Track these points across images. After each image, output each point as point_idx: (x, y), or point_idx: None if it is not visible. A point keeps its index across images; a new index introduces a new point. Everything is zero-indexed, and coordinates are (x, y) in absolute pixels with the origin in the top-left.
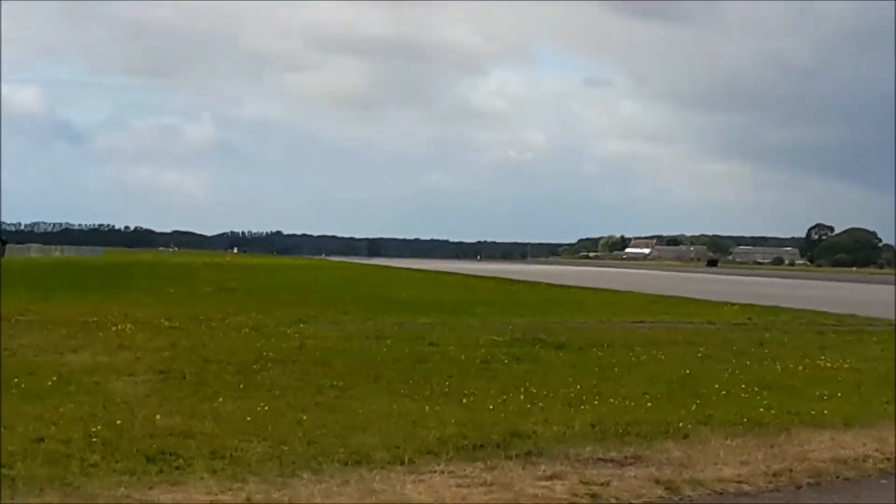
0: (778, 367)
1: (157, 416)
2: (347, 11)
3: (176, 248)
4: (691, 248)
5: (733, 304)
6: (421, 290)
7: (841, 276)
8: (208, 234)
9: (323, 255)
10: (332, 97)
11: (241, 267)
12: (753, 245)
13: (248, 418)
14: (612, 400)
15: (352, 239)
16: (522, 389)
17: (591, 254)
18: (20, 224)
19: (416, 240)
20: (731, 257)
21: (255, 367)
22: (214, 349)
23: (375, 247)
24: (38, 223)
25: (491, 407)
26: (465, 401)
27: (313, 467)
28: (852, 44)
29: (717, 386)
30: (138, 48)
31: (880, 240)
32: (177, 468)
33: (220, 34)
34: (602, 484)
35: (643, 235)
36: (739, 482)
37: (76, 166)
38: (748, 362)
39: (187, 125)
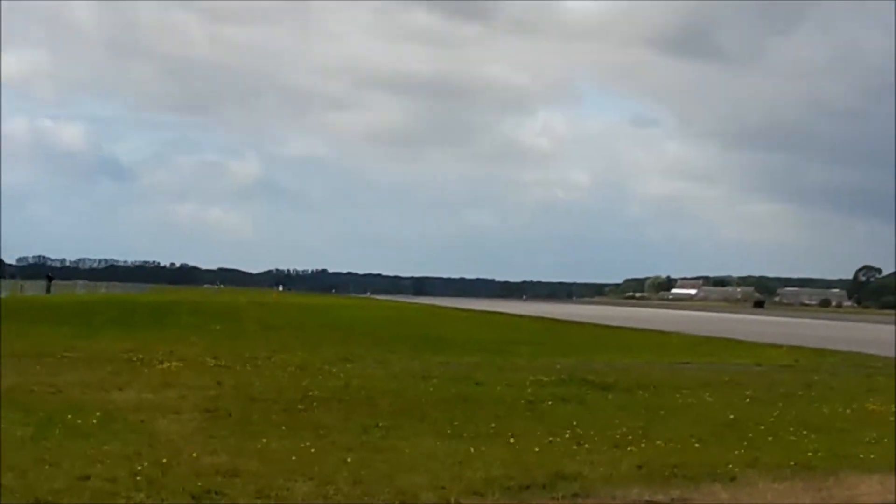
0: (825, 409)
1: (203, 455)
2: (391, 50)
3: (221, 286)
4: (738, 290)
5: (780, 346)
6: (467, 329)
7: (889, 319)
8: (253, 271)
9: (368, 294)
10: (376, 136)
11: (287, 306)
12: (800, 286)
13: (294, 457)
14: (658, 442)
15: (397, 277)
16: (568, 430)
17: (638, 294)
18: (66, 261)
19: (462, 279)
20: (777, 299)
21: (300, 406)
22: (260, 388)
23: (421, 285)
24: (84, 259)
25: (537, 448)
26: (510, 441)
27: None
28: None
29: (763, 428)
30: (182, 85)
31: None
32: None
33: (263, 72)
34: None
35: (689, 276)
36: None
37: (121, 203)
38: (795, 405)
39: (232, 162)
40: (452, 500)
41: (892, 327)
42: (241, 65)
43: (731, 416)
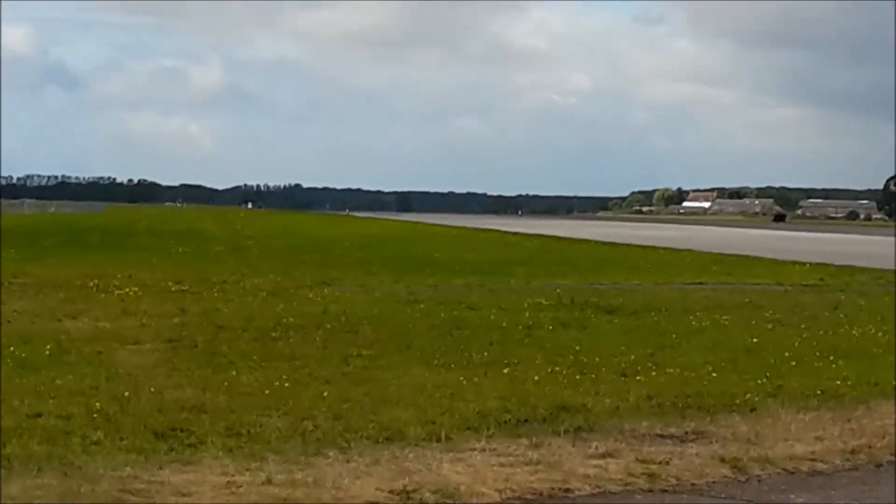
0: (854, 332)
1: (166, 389)
2: None
3: (184, 203)
4: (756, 202)
5: (804, 264)
6: (457, 248)
7: None
8: (219, 187)
9: (347, 211)
10: (353, 36)
11: (257, 224)
12: (825, 198)
13: (267, 391)
14: (670, 370)
15: (379, 192)
16: (571, 358)
17: (645, 208)
18: (12, 178)
19: (451, 193)
20: (800, 212)
21: (273, 334)
22: (229, 315)
23: (405, 201)
24: (32, 176)
25: (536, 378)
26: (507, 371)
27: (340, 445)
28: None
29: (786, 354)
30: None
31: None
32: (189, 446)
33: None
34: (661, 462)
35: (702, 188)
36: (813, 460)
37: (72, 113)
38: (821, 328)
39: (194, 68)
40: (443, 436)
41: None
42: None
43: (751, 342)
